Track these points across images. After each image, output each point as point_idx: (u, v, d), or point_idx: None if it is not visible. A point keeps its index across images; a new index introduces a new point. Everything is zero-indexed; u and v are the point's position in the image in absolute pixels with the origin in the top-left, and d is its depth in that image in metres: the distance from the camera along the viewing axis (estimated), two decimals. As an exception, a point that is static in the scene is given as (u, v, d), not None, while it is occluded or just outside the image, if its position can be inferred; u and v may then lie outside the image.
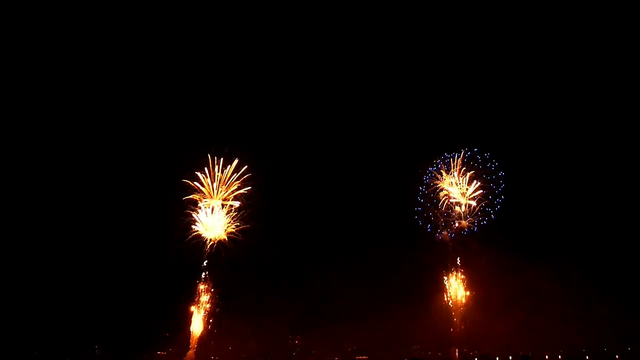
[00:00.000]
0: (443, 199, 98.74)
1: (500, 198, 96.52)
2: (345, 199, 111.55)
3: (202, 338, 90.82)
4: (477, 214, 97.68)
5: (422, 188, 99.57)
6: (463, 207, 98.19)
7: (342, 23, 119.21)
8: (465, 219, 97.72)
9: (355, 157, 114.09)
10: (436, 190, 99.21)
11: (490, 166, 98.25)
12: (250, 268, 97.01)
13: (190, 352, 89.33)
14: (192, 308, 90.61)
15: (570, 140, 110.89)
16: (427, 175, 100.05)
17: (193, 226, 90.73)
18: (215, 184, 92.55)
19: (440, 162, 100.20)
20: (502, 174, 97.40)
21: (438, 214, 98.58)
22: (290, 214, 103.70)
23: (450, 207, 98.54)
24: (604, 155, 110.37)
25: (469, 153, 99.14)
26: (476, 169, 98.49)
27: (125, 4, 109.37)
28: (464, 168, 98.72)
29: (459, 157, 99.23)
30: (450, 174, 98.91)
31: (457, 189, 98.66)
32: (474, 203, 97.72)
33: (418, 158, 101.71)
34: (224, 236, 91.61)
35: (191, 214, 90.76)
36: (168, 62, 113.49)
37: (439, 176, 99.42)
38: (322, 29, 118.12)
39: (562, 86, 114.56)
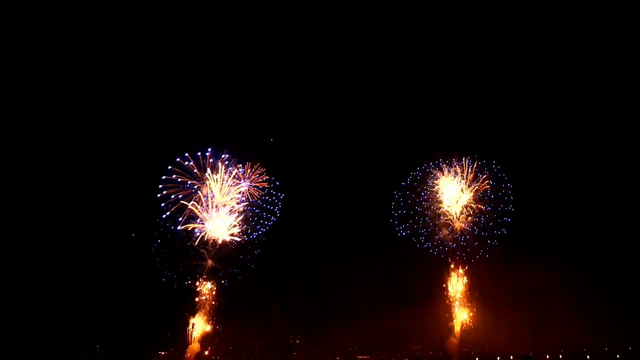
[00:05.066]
0: (438, 198, 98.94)
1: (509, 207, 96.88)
2: (346, 199, 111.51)
3: (206, 336, 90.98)
4: (476, 215, 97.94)
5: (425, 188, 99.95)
6: (458, 207, 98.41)
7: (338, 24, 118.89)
8: (463, 220, 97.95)
9: (356, 157, 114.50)
10: (434, 190, 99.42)
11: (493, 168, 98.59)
12: (251, 268, 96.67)
13: (194, 346, 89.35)
14: (195, 306, 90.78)
15: (573, 140, 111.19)
16: (424, 173, 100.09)
17: (196, 225, 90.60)
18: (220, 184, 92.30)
19: (440, 161, 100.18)
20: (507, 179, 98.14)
21: (436, 214, 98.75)
22: (292, 214, 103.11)
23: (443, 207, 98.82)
24: (606, 155, 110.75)
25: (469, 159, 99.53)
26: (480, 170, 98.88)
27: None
28: (464, 168, 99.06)
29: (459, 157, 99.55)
30: (450, 173, 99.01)
31: (455, 187, 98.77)
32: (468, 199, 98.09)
33: (418, 157, 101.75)
34: (226, 236, 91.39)
35: (194, 212, 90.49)
36: (173, 61, 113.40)
37: (438, 174, 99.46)
38: (316, 29, 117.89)
39: (561, 87, 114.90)
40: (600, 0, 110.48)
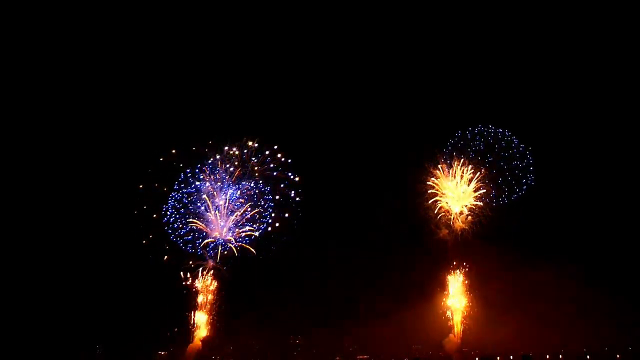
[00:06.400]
0: (436, 198, 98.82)
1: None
2: (345, 198, 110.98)
3: (206, 335, 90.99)
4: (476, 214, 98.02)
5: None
6: (458, 207, 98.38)
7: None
8: (463, 220, 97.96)
9: (354, 155, 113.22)
10: (433, 189, 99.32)
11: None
12: (251, 268, 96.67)
13: (195, 345, 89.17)
14: (196, 306, 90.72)
15: (573, 139, 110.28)
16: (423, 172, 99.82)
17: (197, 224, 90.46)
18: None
19: (439, 159, 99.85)
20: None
21: (436, 214, 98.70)
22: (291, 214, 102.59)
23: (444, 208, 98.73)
24: (605, 152, 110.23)
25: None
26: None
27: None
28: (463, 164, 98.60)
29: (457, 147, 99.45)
30: (450, 172, 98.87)
31: (455, 188, 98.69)
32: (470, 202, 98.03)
33: (420, 151, 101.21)
34: (230, 237, 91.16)
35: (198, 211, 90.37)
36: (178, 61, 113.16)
37: (437, 173, 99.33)
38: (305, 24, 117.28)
39: (563, 86, 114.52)
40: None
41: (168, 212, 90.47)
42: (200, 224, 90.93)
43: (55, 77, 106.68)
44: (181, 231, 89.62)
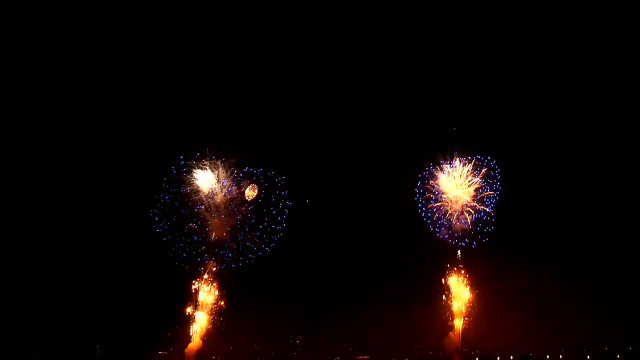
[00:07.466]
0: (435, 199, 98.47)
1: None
2: (345, 197, 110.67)
3: (206, 335, 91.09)
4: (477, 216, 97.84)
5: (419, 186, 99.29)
6: (458, 206, 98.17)
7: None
8: (463, 219, 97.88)
9: (353, 151, 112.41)
10: (433, 189, 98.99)
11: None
12: (250, 268, 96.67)
13: (195, 344, 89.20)
14: (196, 306, 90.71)
15: (573, 136, 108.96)
16: (425, 172, 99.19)
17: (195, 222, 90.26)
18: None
19: (440, 159, 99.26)
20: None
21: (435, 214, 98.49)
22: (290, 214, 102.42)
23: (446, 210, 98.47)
24: (604, 150, 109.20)
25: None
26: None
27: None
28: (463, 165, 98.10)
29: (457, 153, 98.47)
30: (449, 172, 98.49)
31: (454, 188, 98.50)
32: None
33: (419, 151, 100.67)
34: (231, 243, 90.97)
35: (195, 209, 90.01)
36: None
37: (436, 173, 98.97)
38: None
39: (561, 85, 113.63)
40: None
41: (156, 219, 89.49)
42: (197, 226, 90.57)
43: (51, 75, 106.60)
44: (176, 244, 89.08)
